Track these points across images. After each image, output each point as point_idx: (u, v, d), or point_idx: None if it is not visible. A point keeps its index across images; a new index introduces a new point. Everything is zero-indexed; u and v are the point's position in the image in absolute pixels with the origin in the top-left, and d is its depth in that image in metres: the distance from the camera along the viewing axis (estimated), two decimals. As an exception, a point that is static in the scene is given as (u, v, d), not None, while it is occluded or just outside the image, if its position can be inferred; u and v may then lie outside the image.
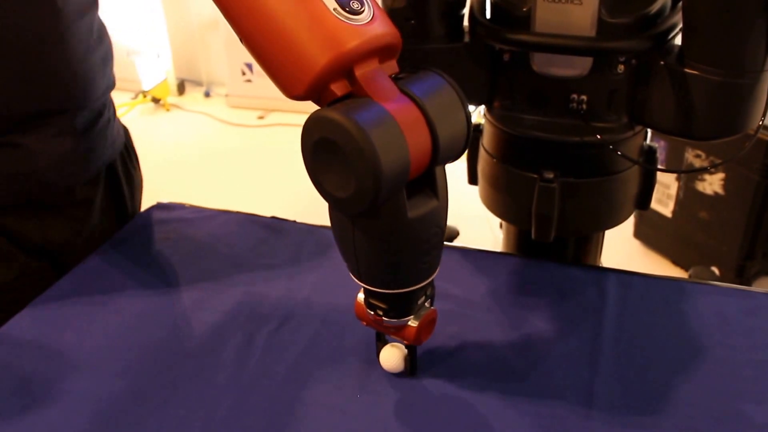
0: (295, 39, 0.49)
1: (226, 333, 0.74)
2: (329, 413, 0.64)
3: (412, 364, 0.67)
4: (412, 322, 0.62)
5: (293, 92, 0.51)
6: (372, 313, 0.62)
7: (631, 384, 0.66)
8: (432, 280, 0.61)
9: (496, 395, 0.65)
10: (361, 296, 0.64)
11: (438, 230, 0.56)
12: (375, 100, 0.50)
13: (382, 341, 0.68)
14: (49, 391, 0.67)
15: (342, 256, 0.59)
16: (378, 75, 0.51)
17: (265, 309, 0.77)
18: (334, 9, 0.49)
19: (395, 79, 0.53)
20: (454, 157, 0.55)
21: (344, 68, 0.50)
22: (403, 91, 0.51)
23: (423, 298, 0.62)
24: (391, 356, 0.67)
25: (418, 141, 0.50)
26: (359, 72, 0.50)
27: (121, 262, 0.87)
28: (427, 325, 0.63)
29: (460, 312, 0.76)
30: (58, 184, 0.83)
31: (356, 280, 0.60)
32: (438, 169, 0.54)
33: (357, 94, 0.51)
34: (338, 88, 0.50)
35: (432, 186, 0.54)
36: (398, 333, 0.63)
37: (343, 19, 0.49)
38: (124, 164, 0.96)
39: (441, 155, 0.52)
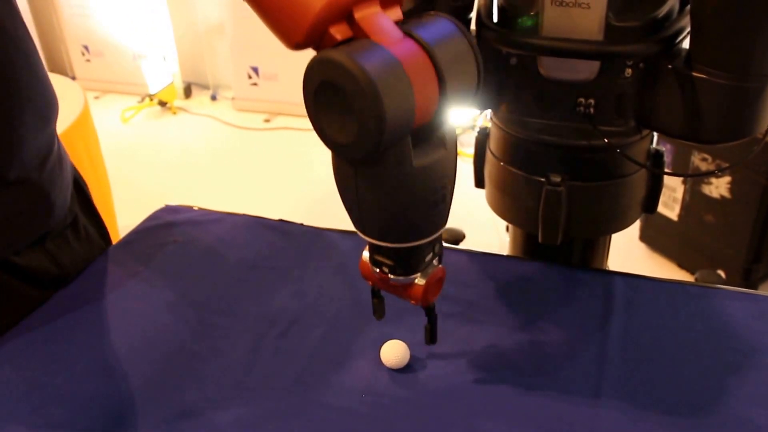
0: None
1: (235, 335, 0.74)
2: (338, 415, 0.64)
3: (432, 333, 0.64)
4: (419, 281, 0.59)
5: (293, 39, 0.50)
6: (377, 270, 0.60)
7: (637, 387, 0.66)
8: (440, 237, 0.58)
9: (503, 397, 0.65)
10: (366, 254, 0.61)
11: (446, 182, 0.54)
12: (378, 43, 0.48)
13: (378, 298, 0.66)
14: (57, 392, 0.67)
15: (346, 208, 0.56)
16: (380, 18, 0.50)
17: (273, 312, 0.78)
18: None
19: (400, 24, 0.51)
20: (464, 106, 0.53)
21: (343, 11, 0.49)
22: (408, 35, 0.50)
23: (431, 255, 0.59)
24: (391, 352, 0.68)
25: (424, 86, 0.49)
26: (359, 15, 0.49)
27: (128, 265, 0.87)
28: (435, 284, 0.60)
29: (468, 315, 0.76)
30: (61, 209, 0.83)
31: (360, 234, 0.57)
32: (446, 118, 0.52)
33: (359, 39, 0.49)
34: (338, 32, 0.49)
35: (440, 135, 0.52)
36: (405, 292, 0.60)
37: None
38: (79, 175, 0.94)
39: (449, 103, 0.50)
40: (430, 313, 0.63)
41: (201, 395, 0.67)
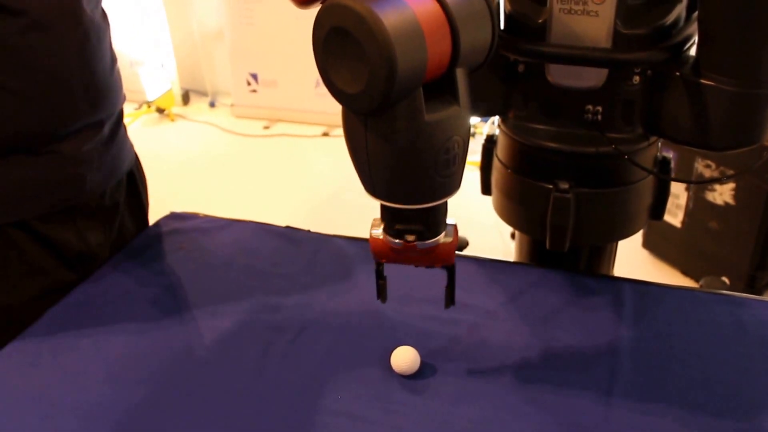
0: None
1: (243, 343, 0.74)
2: (348, 422, 0.64)
3: (451, 293, 0.63)
4: (445, 239, 0.58)
5: None
6: (398, 241, 0.58)
7: (648, 394, 0.66)
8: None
9: (515, 404, 0.65)
10: (374, 232, 0.60)
11: (459, 140, 0.53)
12: None
13: (382, 279, 0.66)
14: (67, 400, 0.67)
15: (358, 173, 0.55)
16: None
17: (282, 318, 0.77)
18: None
19: None
20: (477, 67, 0.53)
21: None
22: None
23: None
24: (402, 358, 0.68)
25: (436, 38, 0.48)
26: None
27: (136, 272, 0.87)
28: (456, 239, 0.60)
29: (478, 322, 0.76)
30: (93, 188, 0.85)
31: (372, 197, 0.55)
32: (460, 75, 0.51)
33: None
34: None
35: (453, 91, 0.52)
36: (429, 257, 0.59)
37: None
38: (138, 170, 0.99)
39: (462, 58, 0.50)
40: (452, 270, 0.62)
41: (210, 402, 0.66)
